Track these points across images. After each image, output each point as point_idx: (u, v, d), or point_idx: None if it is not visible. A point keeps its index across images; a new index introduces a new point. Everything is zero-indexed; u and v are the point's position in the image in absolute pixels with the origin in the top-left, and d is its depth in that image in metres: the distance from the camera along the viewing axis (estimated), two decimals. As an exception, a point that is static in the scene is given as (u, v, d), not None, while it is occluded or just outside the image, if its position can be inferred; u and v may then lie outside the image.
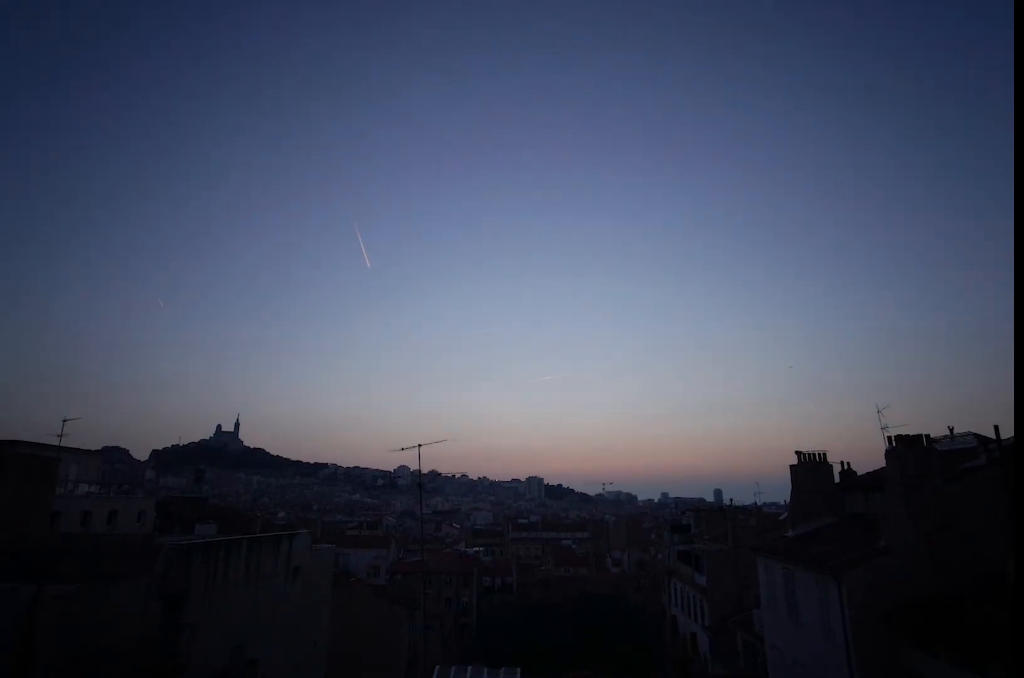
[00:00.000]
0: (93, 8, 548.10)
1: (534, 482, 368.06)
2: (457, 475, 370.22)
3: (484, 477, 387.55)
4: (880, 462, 18.12)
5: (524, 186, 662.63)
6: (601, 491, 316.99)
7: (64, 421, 34.70)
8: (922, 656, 12.79)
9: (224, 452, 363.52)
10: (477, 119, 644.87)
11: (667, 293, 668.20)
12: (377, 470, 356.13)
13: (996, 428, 16.25)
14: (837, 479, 23.50)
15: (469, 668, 19.68)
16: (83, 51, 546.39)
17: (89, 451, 39.94)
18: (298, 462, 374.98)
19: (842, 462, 24.30)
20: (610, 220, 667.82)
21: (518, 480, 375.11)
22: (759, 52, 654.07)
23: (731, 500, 52.82)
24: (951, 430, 19.46)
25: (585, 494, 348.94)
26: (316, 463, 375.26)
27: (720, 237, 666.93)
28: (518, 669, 20.00)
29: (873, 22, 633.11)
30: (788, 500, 25.36)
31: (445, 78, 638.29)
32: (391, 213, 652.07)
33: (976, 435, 18.71)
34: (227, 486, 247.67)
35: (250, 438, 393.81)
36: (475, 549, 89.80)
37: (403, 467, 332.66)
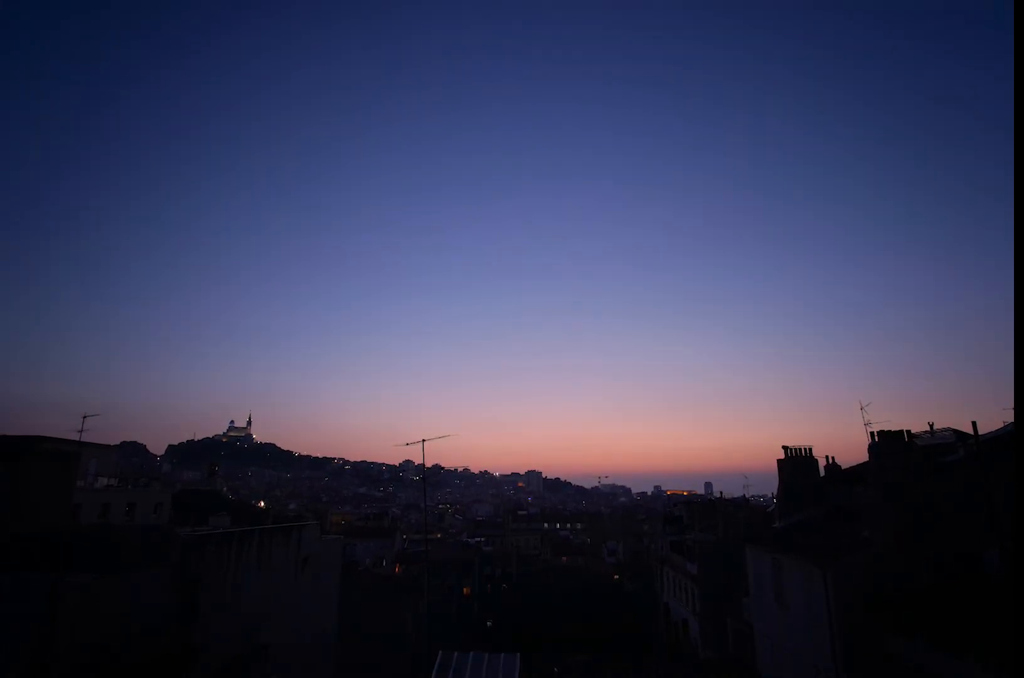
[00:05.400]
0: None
1: (533, 476, 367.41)
2: (460, 469, 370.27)
3: (485, 471, 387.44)
4: (863, 456, 18.16)
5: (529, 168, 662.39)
6: (597, 484, 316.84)
7: (84, 417, 34.80)
8: (902, 641, 12.81)
9: (237, 447, 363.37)
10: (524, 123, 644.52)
11: (662, 292, 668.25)
12: (383, 464, 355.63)
13: (974, 424, 16.25)
14: (822, 473, 23.52)
15: (471, 654, 19.65)
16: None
17: (108, 446, 39.95)
18: (308, 456, 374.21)
19: (827, 456, 24.36)
20: (604, 221, 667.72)
21: (518, 474, 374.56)
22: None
23: (721, 493, 52.94)
24: (931, 426, 19.46)
25: (582, 487, 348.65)
26: (325, 457, 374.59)
27: (714, 236, 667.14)
28: (518, 654, 19.97)
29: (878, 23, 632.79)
30: (776, 493, 25.39)
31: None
32: (394, 212, 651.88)
33: (955, 431, 18.72)
34: (240, 479, 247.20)
35: (262, 433, 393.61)
36: (477, 540, 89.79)
37: (408, 461, 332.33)
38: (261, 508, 65.55)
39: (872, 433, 16.82)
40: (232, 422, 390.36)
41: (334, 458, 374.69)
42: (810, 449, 23.37)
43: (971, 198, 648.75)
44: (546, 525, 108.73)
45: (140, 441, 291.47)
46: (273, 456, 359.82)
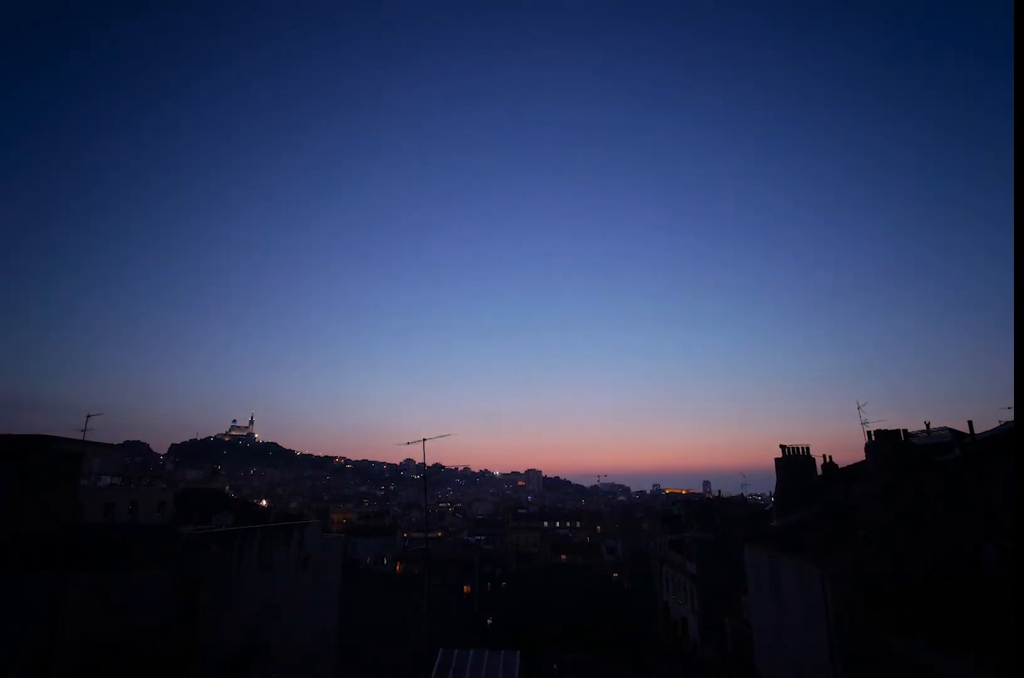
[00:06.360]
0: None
1: (533, 474, 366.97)
2: (460, 468, 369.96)
3: (485, 470, 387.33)
4: (861, 455, 18.10)
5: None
6: (596, 483, 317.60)
7: (88, 417, 34.71)
8: (901, 640, 12.75)
9: (239, 446, 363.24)
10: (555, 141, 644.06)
11: (661, 291, 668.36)
12: (384, 463, 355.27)
13: (970, 423, 16.22)
14: (820, 472, 23.45)
15: (471, 651, 19.57)
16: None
17: (111, 445, 39.87)
18: (309, 455, 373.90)
19: (824, 455, 24.32)
20: (603, 221, 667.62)
21: (518, 472, 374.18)
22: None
23: (719, 491, 52.90)
24: (927, 425, 19.42)
25: (581, 486, 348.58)
26: (326, 456, 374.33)
27: (715, 236, 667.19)
28: (518, 652, 19.90)
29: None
30: (774, 491, 25.32)
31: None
32: (398, 212, 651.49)
33: (951, 430, 18.68)
34: (242, 478, 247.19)
35: (264, 433, 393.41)
36: (477, 538, 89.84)
37: (409, 460, 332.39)
38: (263, 507, 65.56)
39: (869, 432, 16.78)
40: (234, 421, 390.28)
41: (335, 457, 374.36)
42: (807, 448, 23.31)
43: (970, 197, 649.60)
44: (546, 523, 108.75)
45: (143, 440, 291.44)
46: (275, 455, 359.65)
